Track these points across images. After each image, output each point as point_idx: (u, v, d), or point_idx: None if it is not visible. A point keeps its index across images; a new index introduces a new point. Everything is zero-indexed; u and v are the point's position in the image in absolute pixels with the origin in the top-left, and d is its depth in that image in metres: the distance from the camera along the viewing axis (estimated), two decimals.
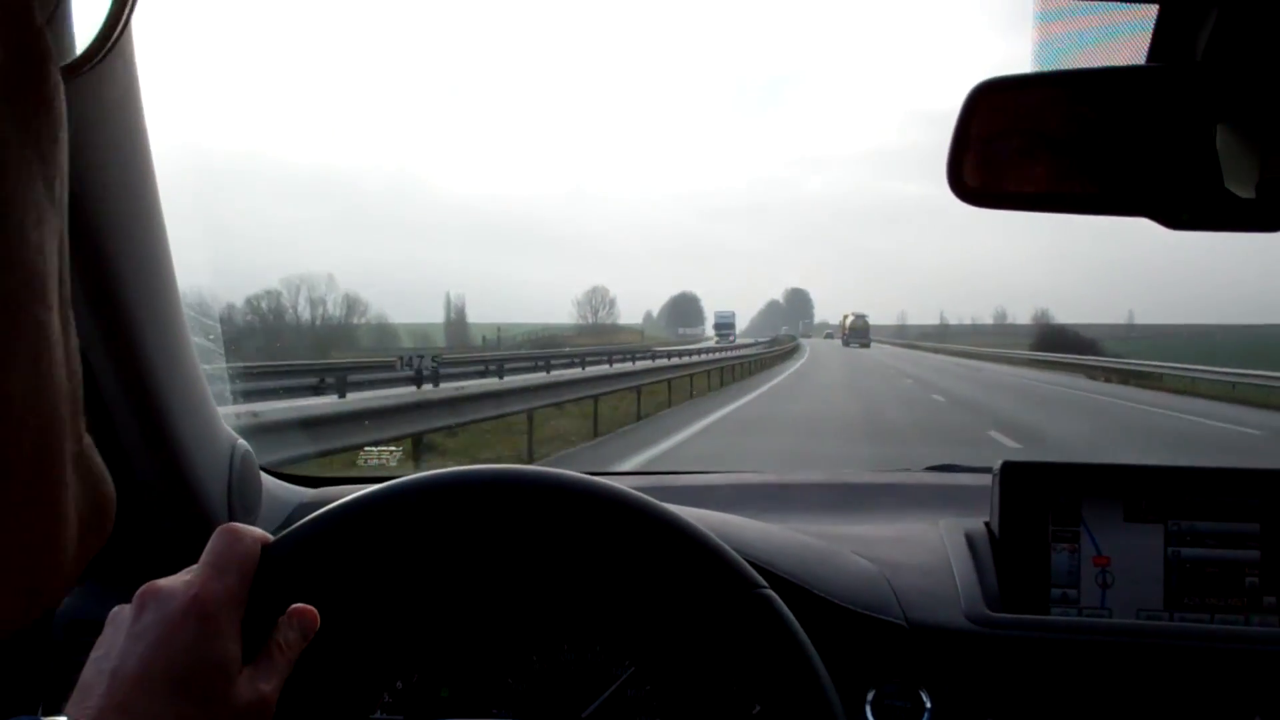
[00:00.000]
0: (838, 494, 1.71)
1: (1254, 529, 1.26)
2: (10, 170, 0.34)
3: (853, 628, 1.16)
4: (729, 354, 36.56)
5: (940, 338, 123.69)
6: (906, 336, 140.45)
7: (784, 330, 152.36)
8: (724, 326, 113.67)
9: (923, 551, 1.33)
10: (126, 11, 0.39)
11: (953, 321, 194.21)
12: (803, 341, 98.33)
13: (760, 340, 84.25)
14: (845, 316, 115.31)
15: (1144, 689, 1.17)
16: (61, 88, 0.37)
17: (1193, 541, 1.26)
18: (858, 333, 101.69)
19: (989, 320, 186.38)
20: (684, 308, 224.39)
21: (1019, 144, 1.00)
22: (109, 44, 0.39)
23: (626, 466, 9.34)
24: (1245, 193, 0.91)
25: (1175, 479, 1.28)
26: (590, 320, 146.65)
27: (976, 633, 1.19)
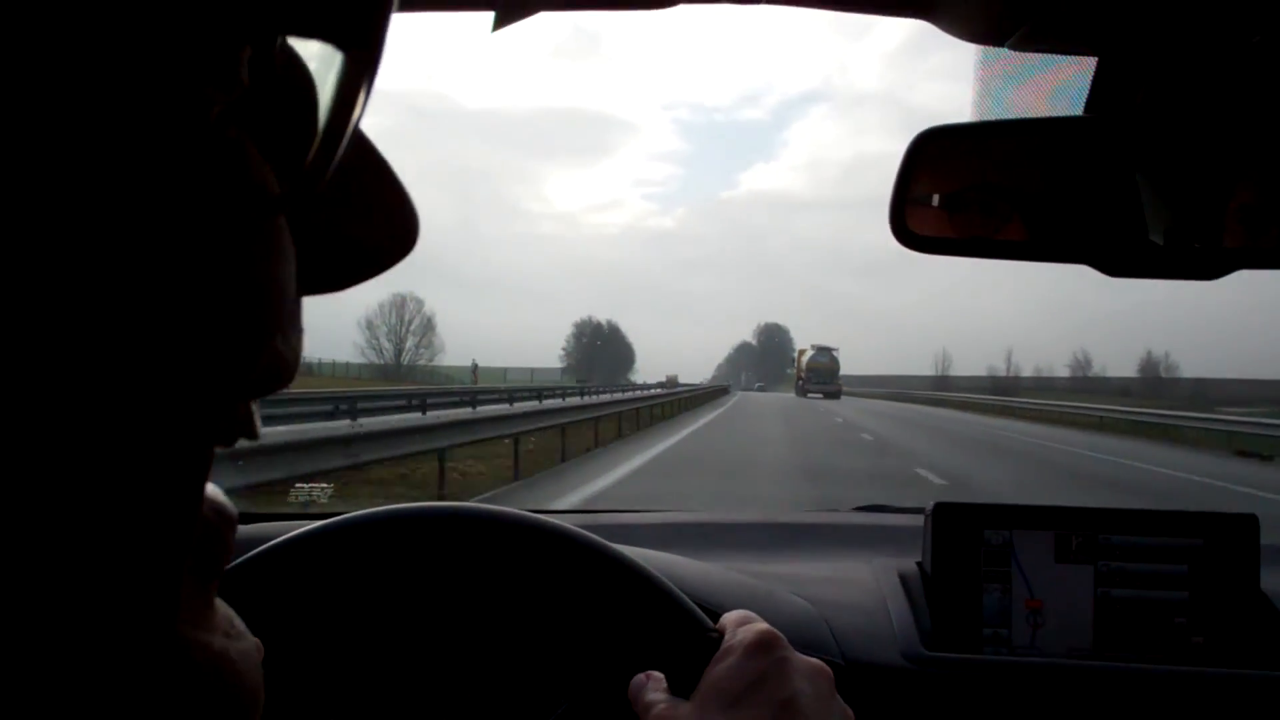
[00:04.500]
0: (769, 533, 1.73)
1: (1182, 570, 1.29)
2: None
3: None
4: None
5: (993, 391, 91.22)
6: (951, 388, 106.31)
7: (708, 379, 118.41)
8: None
9: (858, 591, 1.34)
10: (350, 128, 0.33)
11: (1023, 372, 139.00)
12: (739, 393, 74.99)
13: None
14: (801, 352, 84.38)
15: None
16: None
17: (1123, 582, 1.29)
18: (820, 375, 75.85)
19: (1064, 371, 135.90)
20: (597, 351, 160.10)
21: (961, 191, 1.03)
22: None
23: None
24: (1178, 242, 0.95)
25: (1106, 520, 1.30)
26: (391, 359, 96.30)
27: (912, 671, 1.20)
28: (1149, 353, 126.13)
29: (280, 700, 1.03)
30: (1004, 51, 0.99)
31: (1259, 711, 1.18)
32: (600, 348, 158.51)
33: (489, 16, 0.90)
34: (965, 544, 1.31)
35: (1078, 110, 1.01)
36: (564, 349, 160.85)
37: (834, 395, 67.54)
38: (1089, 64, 0.99)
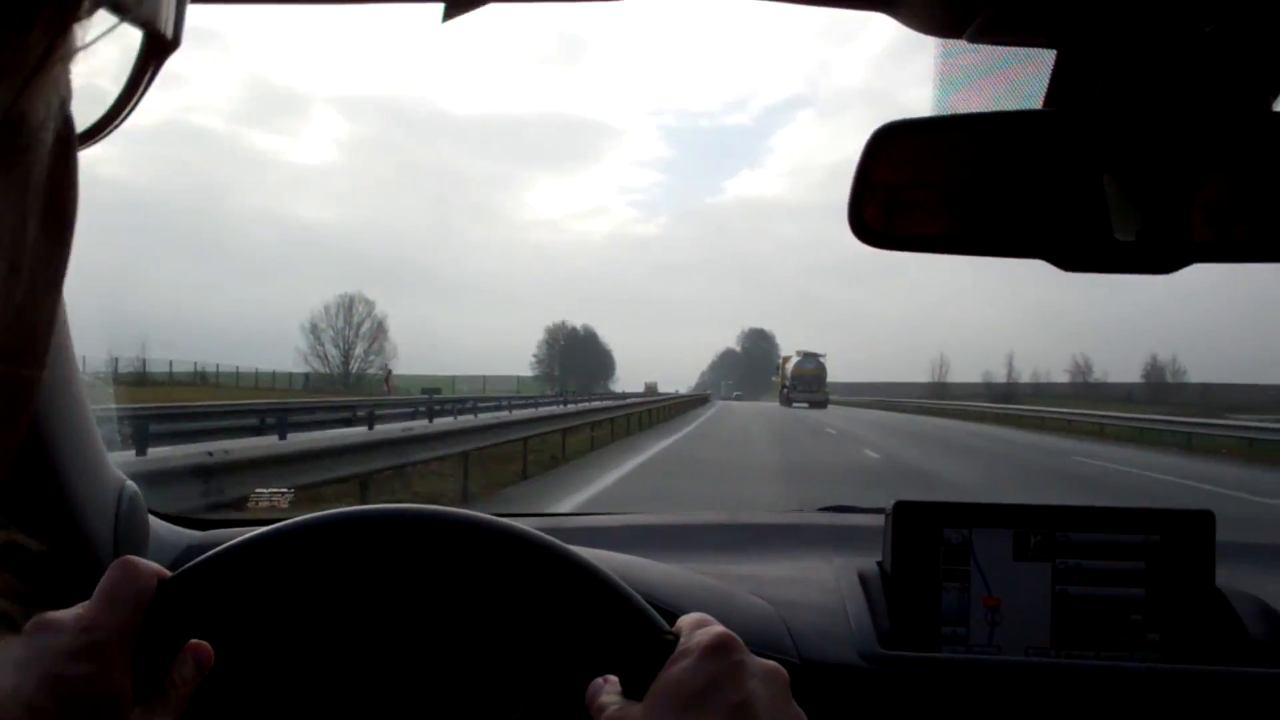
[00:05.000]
0: (734, 535, 1.74)
1: (1139, 567, 1.30)
2: (38, 245, 0.36)
3: None
4: None
5: (991, 398, 78.95)
6: (949, 396, 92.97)
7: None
8: None
9: (817, 591, 1.35)
10: (147, 79, 0.38)
11: (1021, 378, 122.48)
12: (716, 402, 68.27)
13: None
14: (785, 359, 76.21)
15: None
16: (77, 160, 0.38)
17: (1080, 580, 1.29)
18: (806, 383, 68.06)
19: (1063, 377, 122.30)
20: (570, 357, 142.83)
21: (920, 186, 1.03)
22: (127, 111, 0.39)
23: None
24: (1137, 235, 0.95)
25: (1064, 518, 1.31)
26: (336, 368, 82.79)
27: (868, 670, 1.21)
28: (1154, 357, 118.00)
29: (235, 704, 1.02)
30: (965, 45, 0.99)
31: (1215, 707, 1.19)
32: (575, 354, 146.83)
33: (455, 12, 0.90)
34: (925, 543, 1.31)
35: (1038, 104, 1.02)
36: (534, 355, 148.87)
37: (820, 405, 61.98)
38: (1050, 57, 0.99)
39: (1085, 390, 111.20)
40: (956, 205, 1.02)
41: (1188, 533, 1.30)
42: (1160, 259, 0.96)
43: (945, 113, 1.06)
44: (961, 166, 1.01)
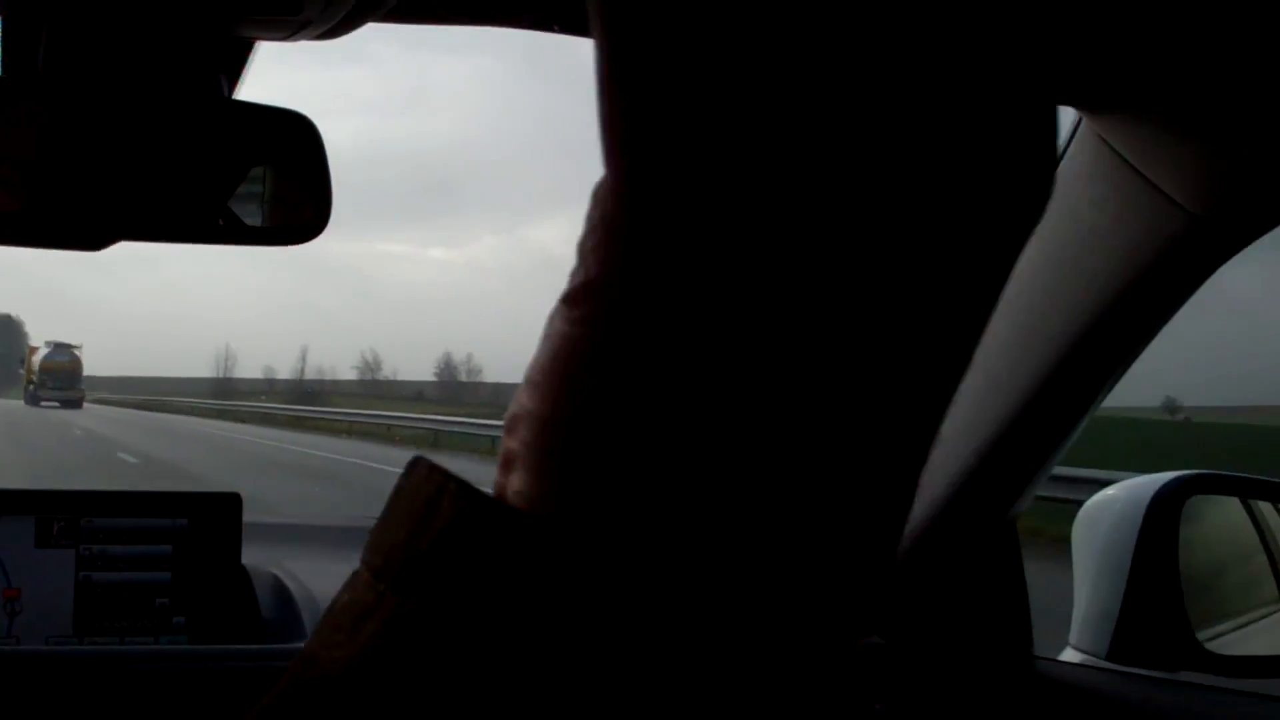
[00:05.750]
0: None
1: (166, 551, 1.31)
2: None
3: None
4: None
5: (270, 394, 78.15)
6: (235, 392, 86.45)
7: None
8: None
9: None
10: None
11: (307, 374, 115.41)
12: None
13: None
14: (32, 350, 66.27)
15: (56, 717, 1.16)
16: None
17: (105, 566, 1.28)
18: (57, 378, 59.14)
19: (351, 374, 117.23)
20: None
21: None
22: None
23: None
24: (66, 210, 0.95)
25: (88, 503, 1.29)
26: None
27: None
28: (449, 355, 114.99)
29: None
30: None
31: (229, 684, 1.23)
32: None
33: None
34: None
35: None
36: None
37: (74, 404, 54.57)
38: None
39: (375, 388, 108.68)
40: None
41: (215, 515, 1.34)
42: (89, 236, 0.97)
43: None
44: None
